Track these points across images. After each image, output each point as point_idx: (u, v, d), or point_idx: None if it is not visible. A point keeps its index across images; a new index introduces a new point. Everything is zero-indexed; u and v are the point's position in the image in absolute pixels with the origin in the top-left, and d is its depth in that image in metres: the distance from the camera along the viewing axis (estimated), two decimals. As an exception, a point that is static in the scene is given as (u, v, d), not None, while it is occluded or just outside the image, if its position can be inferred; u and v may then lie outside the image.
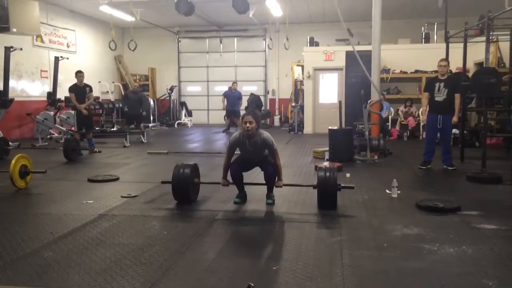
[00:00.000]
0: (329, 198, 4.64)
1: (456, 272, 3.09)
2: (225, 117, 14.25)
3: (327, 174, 4.64)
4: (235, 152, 5.00)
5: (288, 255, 3.41)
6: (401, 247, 3.58)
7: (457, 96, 6.91)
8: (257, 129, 4.70)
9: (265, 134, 4.78)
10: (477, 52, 9.39)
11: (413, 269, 3.15)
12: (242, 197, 5.02)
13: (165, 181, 5.06)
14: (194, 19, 13.59)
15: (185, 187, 4.86)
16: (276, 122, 16.91)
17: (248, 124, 4.63)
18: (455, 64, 10.14)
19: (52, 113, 11.61)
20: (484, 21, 7.49)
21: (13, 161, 5.60)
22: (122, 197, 5.26)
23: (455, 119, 6.91)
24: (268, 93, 17.65)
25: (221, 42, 17.58)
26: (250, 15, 12.59)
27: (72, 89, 9.16)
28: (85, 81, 9.41)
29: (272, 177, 4.87)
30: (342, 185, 4.74)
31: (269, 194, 4.97)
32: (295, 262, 3.26)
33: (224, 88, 14.88)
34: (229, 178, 4.98)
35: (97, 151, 9.19)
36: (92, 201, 5.09)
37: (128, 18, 13.61)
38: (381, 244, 3.63)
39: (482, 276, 3.01)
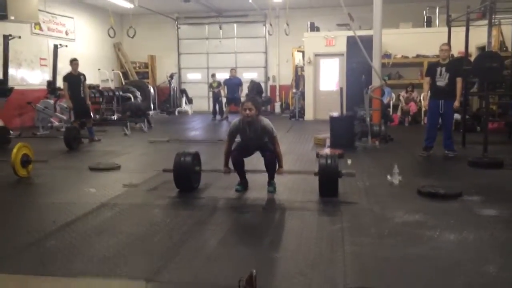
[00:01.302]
0: (330, 185, 4.64)
1: (457, 258, 3.11)
2: (226, 104, 14.23)
3: (328, 161, 4.64)
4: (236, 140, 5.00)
5: (289, 243, 3.43)
6: (402, 234, 3.59)
7: (459, 80, 6.86)
8: (257, 115, 4.68)
9: (265, 121, 4.76)
10: (479, 36, 9.29)
11: (414, 256, 3.17)
12: (243, 185, 5.02)
13: (167, 169, 5.07)
14: (193, 5, 13.49)
15: (186, 175, 4.87)
16: (277, 108, 16.86)
17: (247, 111, 4.60)
18: (457, 48, 10.06)
19: (52, 101, 11.58)
20: (486, 4, 7.42)
21: (14, 150, 5.60)
22: (124, 185, 5.26)
23: (456, 103, 6.88)
24: (268, 79, 17.57)
25: (220, 28, 17.42)
26: (250, 1, 12.47)
27: (66, 78, 8.98)
28: (85, 69, 9.33)
29: (272, 163, 4.86)
30: (343, 171, 4.74)
31: (270, 182, 4.97)
32: (296, 250, 3.27)
33: (224, 75, 14.82)
34: (230, 165, 4.98)
35: (97, 139, 9.17)
36: (94, 190, 5.11)
37: (126, 4, 13.49)
38: (382, 231, 3.64)
39: (483, 262, 3.03)
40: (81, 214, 4.18)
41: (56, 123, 11.85)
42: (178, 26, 17.85)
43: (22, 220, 4.08)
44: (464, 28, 8.28)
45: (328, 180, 4.62)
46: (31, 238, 3.58)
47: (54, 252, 3.28)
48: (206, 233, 3.70)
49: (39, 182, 5.67)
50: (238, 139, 5.02)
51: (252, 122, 4.68)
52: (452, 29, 9.00)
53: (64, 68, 12.12)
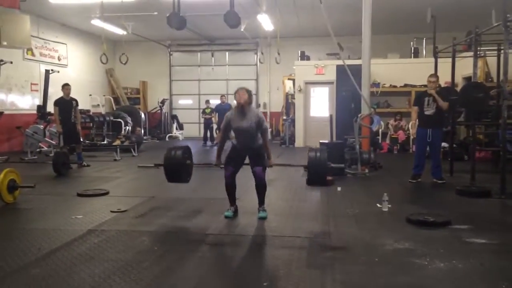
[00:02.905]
0: (319, 177, 4.78)
1: (446, 287, 3.09)
2: (217, 131, 14.29)
3: (317, 154, 4.71)
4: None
5: (279, 271, 3.39)
6: (392, 262, 3.58)
7: (446, 103, 6.91)
8: (249, 104, 4.77)
9: (258, 110, 4.91)
10: (465, 66, 9.53)
11: (404, 284, 3.15)
12: (233, 211, 5.00)
13: (158, 164, 5.09)
14: (185, 32, 13.63)
15: (177, 169, 4.88)
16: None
17: (241, 94, 4.70)
18: (444, 79, 10.27)
19: (42, 126, 11.52)
20: (471, 36, 7.63)
21: (1, 175, 5.51)
22: (111, 211, 5.20)
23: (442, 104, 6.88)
24: (259, 106, 17.71)
25: (212, 55, 17.67)
26: (242, 29, 12.68)
27: (57, 102, 8.97)
28: (76, 94, 9.32)
29: (262, 185, 4.87)
30: (332, 165, 4.82)
31: (261, 207, 4.95)
32: (286, 278, 3.24)
33: (215, 101, 14.93)
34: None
35: (85, 165, 9.10)
36: (81, 216, 5.03)
37: (119, 31, 13.64)
38: (372, 259, 3.62)
39: (472, 291, 3.02)
40: (67, 241, 4.11)
41: (45, 148, 11.76)
42: (171, 53, 18.06)
43: (6, 246, 3.99)
44: (450, 59, 8.49)
45: (317, 173, 4.73)
46: (15, 265, 3.50)
47: (38, 280, 3.21)
48: (195, 260, 3.65)
49: (26, 208, 5.57)
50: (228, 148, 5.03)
51: (245, 109, 4.74)
52: (439, 60, 9.21)
53: (55, 93, 12.15)
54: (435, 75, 7.52)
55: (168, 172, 4.92)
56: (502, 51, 7.41)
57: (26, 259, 3.63)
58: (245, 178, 5.22)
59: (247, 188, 5.43)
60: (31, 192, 6.05)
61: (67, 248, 3.91)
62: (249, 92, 4.81)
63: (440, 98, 6.90)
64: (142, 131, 15.73)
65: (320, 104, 13.95)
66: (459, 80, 11.06)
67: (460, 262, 3.52)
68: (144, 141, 14.98)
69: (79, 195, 6.19)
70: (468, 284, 3.15)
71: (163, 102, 17.16)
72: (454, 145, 8.78)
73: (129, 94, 17.96)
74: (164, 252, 3.86)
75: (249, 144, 4.83)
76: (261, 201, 4.97)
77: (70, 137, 9.09)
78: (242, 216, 5.01)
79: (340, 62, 10.90)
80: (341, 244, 4.02)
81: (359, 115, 8.45)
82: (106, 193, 6.30)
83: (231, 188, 4.95)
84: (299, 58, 14.42)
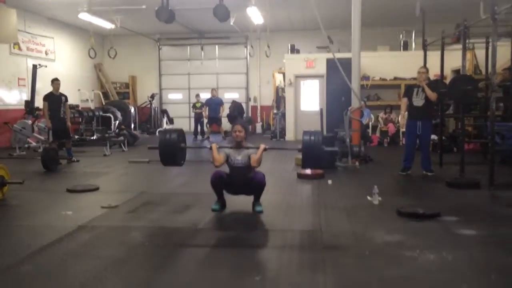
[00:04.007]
0: (313, 161, 4.82)
1: (437, 279, 3.13)
2: (207, 125, 14.26)
3: (312, 137, 4.76)
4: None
5: (270, 265, 3.40)
6: (383, 254, 3.60)
7: (435, 94, 6.96)
8: (245, 139, 4.95)
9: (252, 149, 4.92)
10: (454, 59, 9.58)
11: (395, 277, 3.17)
12: (220, 204, 4.97)
13: (152, 146, 5.11)
14: (175, 26, 13.56)
15: (172, 151, 4.93)
16: (258, 129, 16.94)
17: (238, 132, 4.90)
18: (433, 71, 10.32)
19: (30, 121, 11.39)
20: (460, 29, 7.67)
21: (-11, 172, 5.46)
22: (102, 207, 5.16)
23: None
24: (250, 100, 17.68)
25: (202, 49, 17.57)
26: (231, 23, 12.61)
27: (46, 97, 8.89)
28: (65, 89, 9.21)
29: (261, 187, 4.85)
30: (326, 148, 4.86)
31: (256, 202, 4.94)
32: (277, 271, 3.25)
33: (206, 95, 14.88)
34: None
35: (75, 160, 9.02)
36: (71, 212, 4.99)
37: (108, 25, 13.49)
38: (363, 252, 3.64)
39: (462, 282, 3.05)
40: (58, 238, 4.07)
41: (33, 144, 11.62)
42: (160, 47, 17.92)
43: (-5, 244, 3.95)
44: (439, 52, 8.53)
45: (312, 155, 4.74)
46: (5, 262, 3.46)
47: (28, 278, 3.19)
48: (186, 256, 3.65)
49: (15, 204, 5.51)
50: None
51: (241, 145, 4.90)
52: (428, 52, 9.25)
53: (43, 88, 11.98)
54: (424, 67, 7.57)
55: (163, 155, 4.94)
56: (490, 44, 7.47)
57: (16, 257, 3.59)
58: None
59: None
60: (19, 188, 5.97)
61: (58, 245, 3.88)
62: (245, 127, 5.01)
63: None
64: (132, 125, 15.66)
65: (311, 98, 13.97)
66: (448, 73, 11.13)
67: (450, 254, 3.56)
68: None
69: (68, 191, 6.14)
70: (458, 275, 3.18)
71: (152, 96, 17.06)
72: (444, 137, 8.86)
73: (118, 88, 17.82)
74: (155, 247, 3.85)
75: (244, 179, 4.87)
76: (257, 198, 4.97)
77: (59, 133, 9.01)
78: (232, 211, 5.00)
79: (330, 56, 10.89)
80: (332, 237, 4.05)
81: (349, 108, 8.48)
82: (96, 189, 6.26)
83: (218, 184, 4.89)
84: (289, 51, 14.39)
